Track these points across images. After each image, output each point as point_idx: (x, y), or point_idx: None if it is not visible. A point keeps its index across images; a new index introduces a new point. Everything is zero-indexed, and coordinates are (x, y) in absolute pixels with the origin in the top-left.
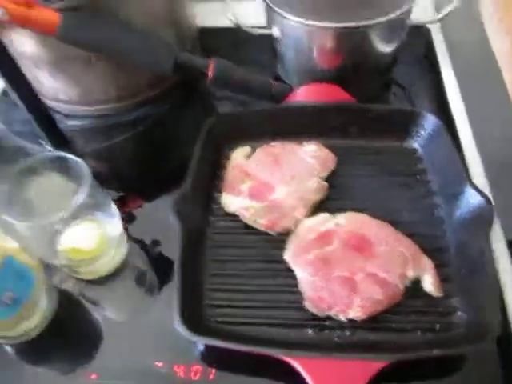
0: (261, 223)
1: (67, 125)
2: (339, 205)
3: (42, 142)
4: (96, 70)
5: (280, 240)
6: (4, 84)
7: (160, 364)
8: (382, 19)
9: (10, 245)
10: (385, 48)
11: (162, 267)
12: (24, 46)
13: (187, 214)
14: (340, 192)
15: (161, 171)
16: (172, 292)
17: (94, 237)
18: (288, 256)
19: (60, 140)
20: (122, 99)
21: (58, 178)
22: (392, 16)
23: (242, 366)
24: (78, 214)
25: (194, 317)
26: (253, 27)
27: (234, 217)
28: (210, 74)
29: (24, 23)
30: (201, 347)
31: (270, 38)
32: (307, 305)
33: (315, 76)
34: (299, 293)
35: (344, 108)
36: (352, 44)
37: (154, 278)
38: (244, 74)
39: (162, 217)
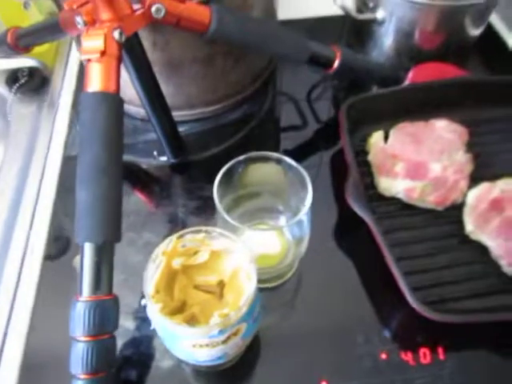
0: (430, 200)
1: None
2: (485, 173)
3: (155, 153)
4: (213, 70)
5: (445, 215)
6: (138, 93)
7: (385, 355)
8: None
9: None
10: (476, 28)
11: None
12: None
13: (363, 203)
14: (480, 161)
15: None
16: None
17: (275, 240)
18: (471, 228)
19: (180, 149)
20: (227, 98)
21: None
22: None
23: (469, 339)
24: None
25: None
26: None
27: (390, 200)
28: (337, 62)
29: (178, 20)
30: (417, 330)
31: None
32: (510, 270)
33: (415, 57)
34: (490, 261)
35: (465, 82)
36: (453, 24)
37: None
38: (363, 60)
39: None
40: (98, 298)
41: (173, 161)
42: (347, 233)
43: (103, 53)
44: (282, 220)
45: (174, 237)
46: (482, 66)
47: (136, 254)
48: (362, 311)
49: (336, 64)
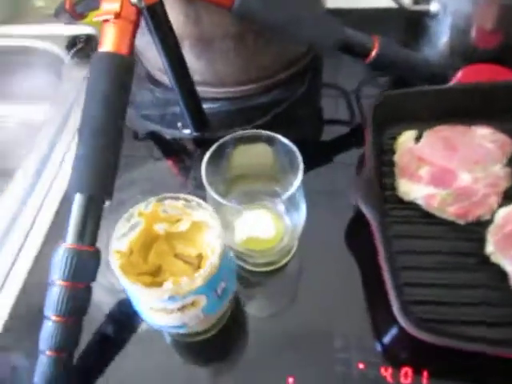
0: (451, 211)
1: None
2: None
3: (179, 124)
4: (244, 48)
5: (467, 230)
6: (163, 62)
7: (362, 366)
8: None
9: None
10: None
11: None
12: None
13: (372, 202)
14: None
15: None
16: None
17: (270, 224)
18: (492, 249)
19: (203, 123)
20: (259, 80)
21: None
22: None
23: (458, 366)
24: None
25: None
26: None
27: (409, 204)
28: (375, 52)
29: None
30: (405, 347)
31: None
32: None
33: (469, 56)
34: (508, 289)
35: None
36: None
37: (334, 268)
38: (407, 53)
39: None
40: (78, 247)
41: (195, 134)
42: (358, 233)
43: (118, 15)
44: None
45: (153, 199)
46: None
47: None
48: (351, 314)
49: (373, 54)
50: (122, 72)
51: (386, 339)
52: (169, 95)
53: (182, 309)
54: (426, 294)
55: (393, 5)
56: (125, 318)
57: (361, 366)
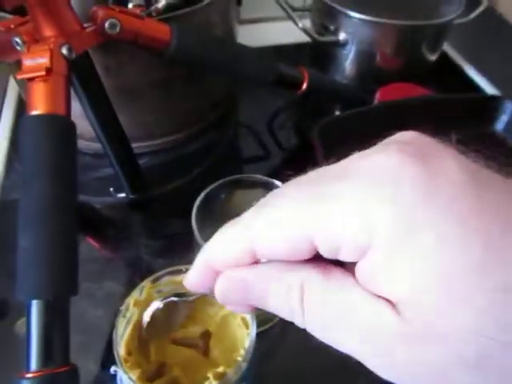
0: None
1: None
2: None
3: (111, 189)
4: (172, 95)
5: None
6: (92, 123)
7: None
8: (444, 19)
9: None
10: (433, 52)
11: None
12: None
13: None
14: None
15: None
16: None
17: None
18: None
19: (141, 183)
20: (189, 126)
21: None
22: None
23: None
24: None
25: None
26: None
27: None
28: (306, 84)
29: (136, 37)
30: None
31: None
32: None
33: (375, 79)
34: None
35: (432, 101)
36: (412, 44)
37: None
38: (330, 81)
39: None
40: (50, 371)
41: (132, 197)
42: None
43: (49, 70)
44: None
45: (147, 282)
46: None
47: (95, 308)
48: None
49: (304, 86)
50: (66, 136)
51: None
52: (85, 160)
53: None
54: None
55: (298, 40)
56: None
57: None
